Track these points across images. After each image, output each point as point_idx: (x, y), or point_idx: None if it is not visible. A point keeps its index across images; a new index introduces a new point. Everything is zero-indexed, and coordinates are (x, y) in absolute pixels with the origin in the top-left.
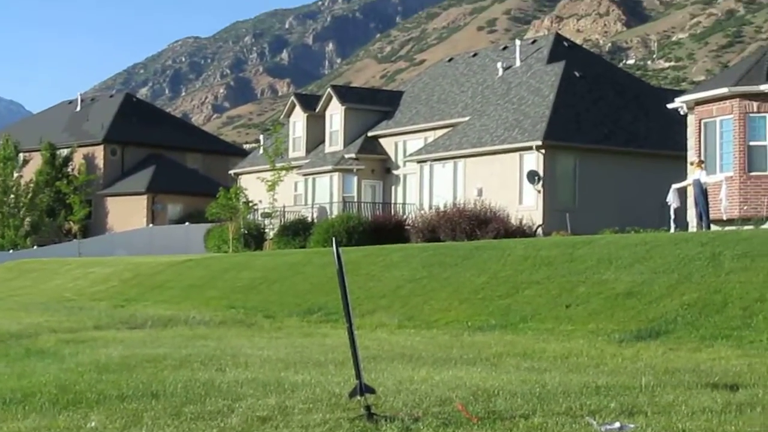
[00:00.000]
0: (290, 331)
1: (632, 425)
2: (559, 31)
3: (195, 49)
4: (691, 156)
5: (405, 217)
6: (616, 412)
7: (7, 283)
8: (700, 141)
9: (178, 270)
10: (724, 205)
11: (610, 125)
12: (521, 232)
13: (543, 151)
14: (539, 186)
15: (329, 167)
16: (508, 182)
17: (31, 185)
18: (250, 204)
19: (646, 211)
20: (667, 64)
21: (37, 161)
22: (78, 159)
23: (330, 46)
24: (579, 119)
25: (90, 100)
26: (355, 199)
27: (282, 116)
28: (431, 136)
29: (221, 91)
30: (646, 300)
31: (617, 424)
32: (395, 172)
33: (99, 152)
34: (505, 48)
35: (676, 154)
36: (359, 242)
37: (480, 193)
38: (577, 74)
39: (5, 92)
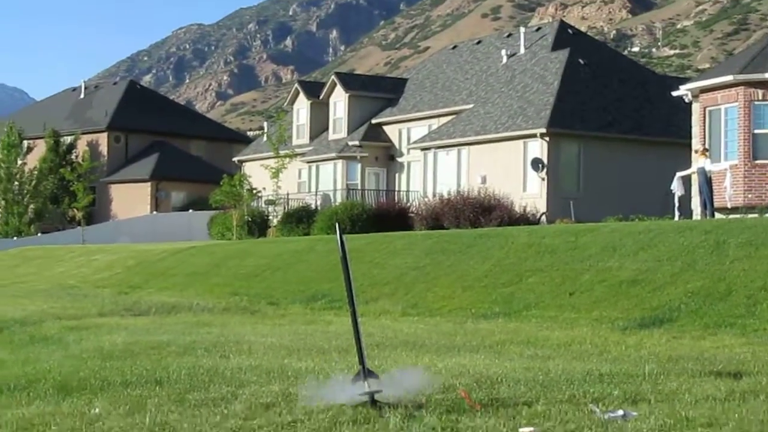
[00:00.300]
0: (294, 318)
1: (635, 413)
2: (564, 19)
3: (199, 36)
4: (696, 144)
5: (409, 204)
6: (620, 399)
7: (11, 270)
8: (704, 129)
9: (182, 257)
10: (728, 193)
11: (614, 113)
12: (525, 219)
13: (547, 138)
14: (543, 174)
15: (333, 155)
16: (512, 170)
17: (35, 172)
18: (254, 191)
19: (651, 199)
20: (672, 52)
21: (41, 148)
22: (82, 146)
23: (334, 34)
24: (583, 107)
25: (94, 87)
26: (359, 187)
27: (286, 103)
28: (435, 123)
29: (225, 78)
30: (649, 288)
31: (620, 412)
32: (399, 159)
33: (103, 139)
34: (509, 35)
35: (680, 142)
36: (363, 230)
37: (484, 180)
38: (581, 62)
39: (9, 79)
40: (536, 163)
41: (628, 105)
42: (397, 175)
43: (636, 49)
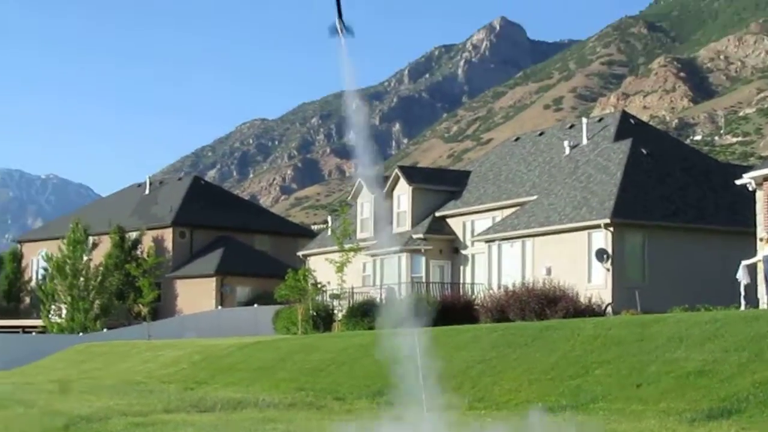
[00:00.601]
0: (360, 413)
1: None
2: (626, 108)
3: (262, 131)
4: (761, 232)
5: (474, 297)
6: None
7: (78, 365)
8: None
9: (248, 352)
10: None
11: (678, 202)
12: (591, 310)
13: (611, 229)
14: (608, 264)
15: (397, 248)
16: (577, 261)
17: (101, 268)
18: (319, 285)
19: (716, 288)
20: (734, 140)
21: (106, 244)
22: (147, 242)
23: (397, 127)
24: (647, 197)
25: (159, 183)
26: (424, 280)
27: (350, 197)
28: (499, 215)
29: (289, 172)
30: (717, 379)
31: None
32: (463, 251)
33: (168, 235)
34: (571, 126)
35: (745, 231)
36: (428, 323)
37: (549, 272)
38: (644, 151)
39: (75, 176)
40: (601, 254)
41: (692, 194)
42: (461, 267)
43: (698, 137)
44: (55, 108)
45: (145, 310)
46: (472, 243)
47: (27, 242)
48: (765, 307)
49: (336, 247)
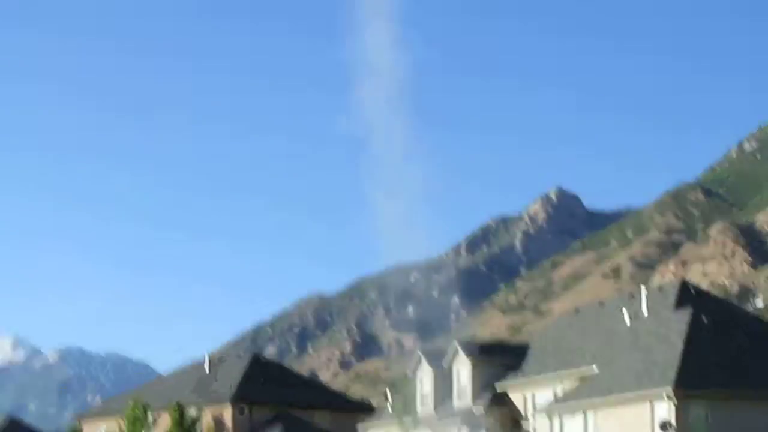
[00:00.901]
0: None
1: None
2: (685, 275)
3: (320, 306)
4: None
5: None
6: None
7: None
8: None
9: None
10: None
11: (741, 369)
12: None
13: (674, 399)
14: None
15: (458, 423)
16: None
17: None
18: None
19: None
20: None
21: (165, 421)
22: (206, 419)
23: (455, 299)
24: (709, 365)
25: (218, 360)
26: None
27: (410, 372)
28: (560, 387)
29: (348, 346)
30: None
31: None
32: (525, 425)
33: (227, 412)
34: (631, 296)
35: None
36: None
37: None
38: (705, 320)
39: (135, 354)
40: (665, 426)
41: (756, 360)
42: None
43: (760, 302)
44: (117, 284)
45: None
46: (534, 416)
47: (87, 419)
48: None
49: (396, 422)
